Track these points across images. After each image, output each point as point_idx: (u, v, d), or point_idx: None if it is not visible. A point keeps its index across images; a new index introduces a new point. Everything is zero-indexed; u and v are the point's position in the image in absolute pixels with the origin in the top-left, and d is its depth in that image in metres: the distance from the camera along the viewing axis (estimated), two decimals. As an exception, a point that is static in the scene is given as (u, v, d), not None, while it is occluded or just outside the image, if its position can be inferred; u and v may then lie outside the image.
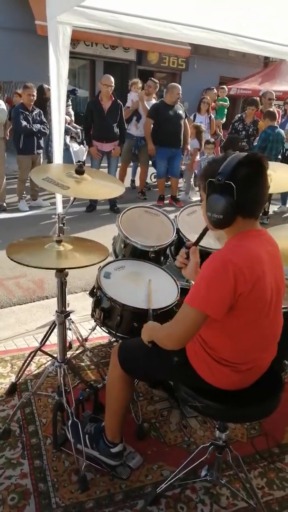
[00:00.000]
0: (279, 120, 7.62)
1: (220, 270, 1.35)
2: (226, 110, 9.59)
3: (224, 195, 1.36)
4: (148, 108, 6.48)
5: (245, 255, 1.37)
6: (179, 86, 6.33)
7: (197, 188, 7.62)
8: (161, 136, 6.31)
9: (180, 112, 6.38)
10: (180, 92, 6.29)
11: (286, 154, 6.59)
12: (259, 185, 1.40)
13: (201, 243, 2.51)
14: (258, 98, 7.22)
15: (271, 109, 6.48)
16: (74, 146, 7.48)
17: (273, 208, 6.94)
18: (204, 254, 2.43)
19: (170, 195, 6.97)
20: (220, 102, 9.31)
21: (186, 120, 6.57)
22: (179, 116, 6.34)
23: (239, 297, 1.35)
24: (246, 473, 1.91)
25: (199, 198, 6.67)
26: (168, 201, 6.92)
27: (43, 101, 6.54)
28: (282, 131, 6.18)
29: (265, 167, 1.39)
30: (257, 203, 1.43)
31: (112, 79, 5.79)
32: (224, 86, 10.31)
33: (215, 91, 8.77)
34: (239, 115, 7.23)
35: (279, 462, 2.07)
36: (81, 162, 2.07)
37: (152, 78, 7.05)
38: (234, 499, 1.85)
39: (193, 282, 2.09)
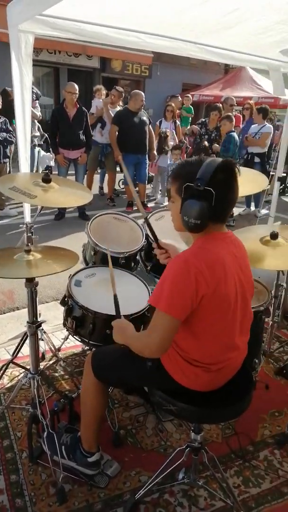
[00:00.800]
0: (240, 125, 7.84)
1: (181, 272, 1.38)
2: (190, 119, 9.77)
3: (203, 201, 1.39)
4: (113, 115, 6.52)
5: (207, 257, 1.41)
6: (142, 93, 6.40)
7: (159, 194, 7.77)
8: (127, 143, 6.35)
9: (144, 118, 6.46)
10: (144, 99, 6.35)
11: (249, 158, 6.77)
12: (233, 190, 1.45)
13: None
14: (220, 104, 7.40)
15: (229, 114, 6.68)
16: (41, 153, 7.40)
17: (238, 211, 7.11)
18: None
19: None
20: (184, 112, 9.47)
21: (150, 126, 6.65)
22: (143, 123, 6.41)
23: (202, 299, 1.38)
24: (222, 473, 1.95)
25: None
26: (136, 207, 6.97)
27: (8, 103, 6.37)
28: (236, 135, 6.43)
29: (236, 173, 1.44)
30: (229, 208, 1.49)
31: (76, 86, 5.80)
32: (189, 95, 10.51)
33: (180, 98, 8.91)
34: (202, 119, 7.38)
35: (253, 459, 2.11)
36: (48, 170, 2.06)
37: (116, 87, 7.08)
38: (211, 499, 1.88)
39: None
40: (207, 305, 1.40)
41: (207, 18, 2.29)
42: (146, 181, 7.03)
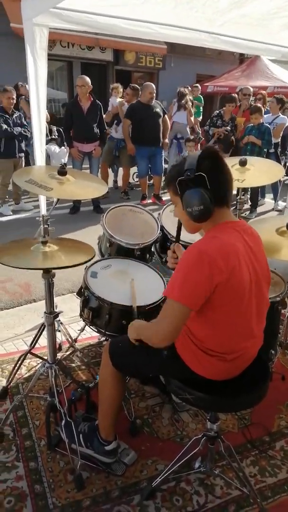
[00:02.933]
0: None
1: (195, 262, 1.39)
2: (201, 108, 9.69)
3: (199, 187, 1.43)
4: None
5: (220, 245, 1.41)
6: (152, 85, 6.34)
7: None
8: (140, 135, 6.35)
9: (158, 110, 6.42)
10: (153, 91, 6.30)
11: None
12: (224, 171, 1.49)
13: (184, 239, 2.56)
14: (236, 95, 7.30)
15: (258, 105, 6.56)
16: (56, 148, 7.44)
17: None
18: (183, 247, 2.47)
19: (153, 194, 7.01)
20: (195, 102, 9.39)
21: (166, 116, 6.63)
22: (156, 115, 6.38)
23: (216, 288, 1.39)
24: (239, 462, 1.96)
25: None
26: (151, 199, 6.96)
27: (17, 96, 6.44)
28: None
29: (221, 156, 1.50)
30: (227, 189, 1.51)
31: (87, 79, 5.77)
32: (198, 85, 10.40)
33: (189, 88, 8.86)
34: (218, 111, 7.31)
35: (270, 450, 2.11)
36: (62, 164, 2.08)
37: (131, 85, 7.07)
38: (228, 488, 1.89)
39: None
40: (222, 293, 1.40)
41: (227, 5, 2.27)
42: (162, 174, 7.00)
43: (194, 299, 1.40)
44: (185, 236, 2.58)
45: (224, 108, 6.90)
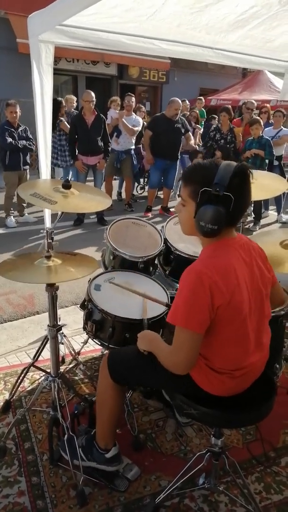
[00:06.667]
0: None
1: (195, 285, 1.36)
2: (203, 122, 9.80)
3: (221, 206, 1.37)
4: (128, 124, 6.61)
5: (218, 266, 1.39)
6: (179, 102, 6.45)
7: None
8: (158, 147, 6.45)
9: (179, 126, 6.53)
10: (179, 107, 6.45)
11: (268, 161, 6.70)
12: (248, 194, 1.45)
13: (188, 251, 2.56)
14: (229, 106, 7.36)
15: (257, 117, 6.63)
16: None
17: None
18: (186, 260, 2.47)
19: (161, 206, 7.08)
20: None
21: (189, 133, 6.80)
22: (177, 130, 6.49)
23: (218, 310, 1.37)
24: (244, 479, 1.92)
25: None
26: (158, 211, 7.01)
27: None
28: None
29: (250, 177, 1.45)
30: (243, 212, 1.48)
31: (93, 94, 5.89)
32: (201, 98, 10.49)
33: (187, 102, 8.97)
34: (214, 125, 7.36)
35: (275, 466, 2.08)
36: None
37: (128, 93, 7.19)
38: (232, 505, 1.86)
39: None
40: (223, 314, 1.39)
41: (223, 18, 2.31)
42: (172, 188, 7.12)
43: (199, 323, 1.38)
44: (189, 249, 2.60)
45: (219, 120, 6.97)
